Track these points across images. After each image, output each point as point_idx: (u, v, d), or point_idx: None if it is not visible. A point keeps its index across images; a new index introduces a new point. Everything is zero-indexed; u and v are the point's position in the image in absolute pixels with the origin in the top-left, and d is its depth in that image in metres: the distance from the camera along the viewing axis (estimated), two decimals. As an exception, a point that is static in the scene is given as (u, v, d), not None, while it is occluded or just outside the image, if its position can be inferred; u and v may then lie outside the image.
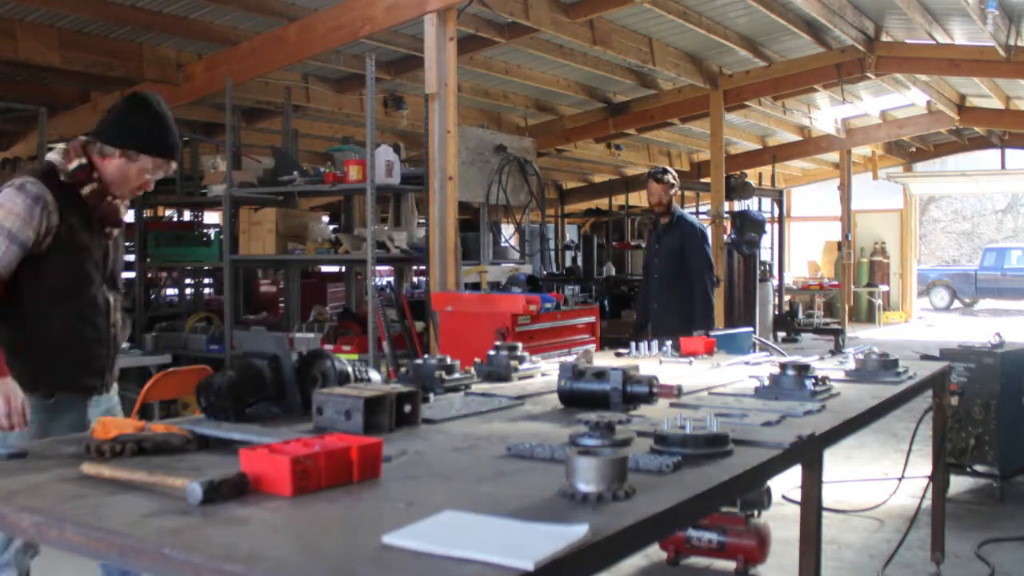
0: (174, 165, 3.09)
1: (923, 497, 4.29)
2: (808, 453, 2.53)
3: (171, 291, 11.55)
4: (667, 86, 12.45)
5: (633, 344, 4.34)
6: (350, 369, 2.79)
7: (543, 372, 3.57)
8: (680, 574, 4.34)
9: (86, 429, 2.65)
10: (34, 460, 2.19)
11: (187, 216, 11.69)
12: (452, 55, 6.48)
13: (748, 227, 12.35)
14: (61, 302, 2.89)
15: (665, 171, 6.54)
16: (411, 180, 7.16)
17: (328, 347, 6.81)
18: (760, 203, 14.66)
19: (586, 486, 1.81)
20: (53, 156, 2.94)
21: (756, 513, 4.29)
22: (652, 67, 10.58)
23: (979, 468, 5.68)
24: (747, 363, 4.02)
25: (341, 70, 10.01)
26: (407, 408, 2.56)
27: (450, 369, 3.21)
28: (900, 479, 5.02)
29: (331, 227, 9.14)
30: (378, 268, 7.06)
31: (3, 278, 2.79)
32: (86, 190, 2.89)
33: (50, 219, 2.82)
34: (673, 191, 6.46)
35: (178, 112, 9.97)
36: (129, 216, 10.46)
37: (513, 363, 3.49)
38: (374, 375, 2.88)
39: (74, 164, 2.89)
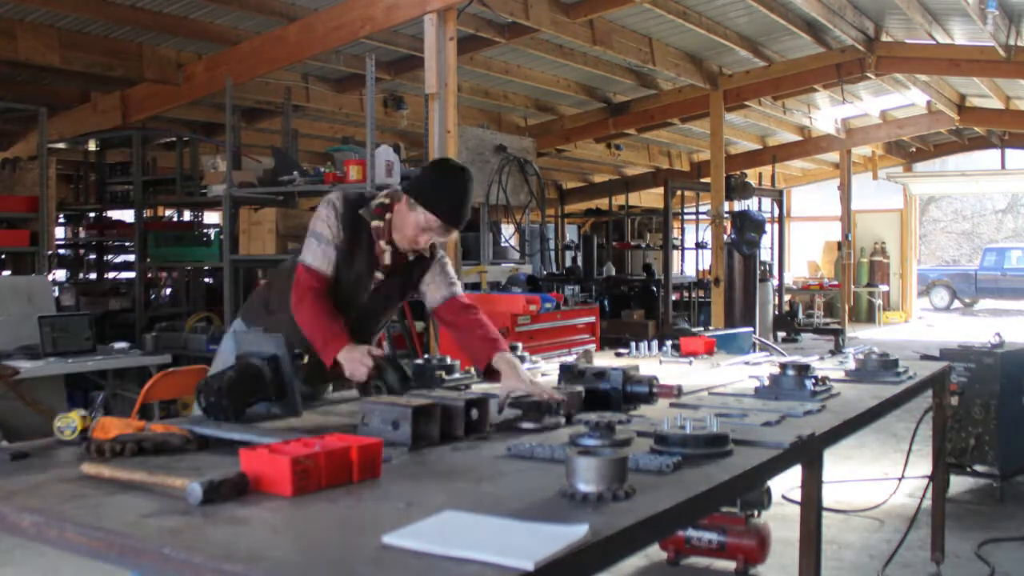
0: (454, 235, 3.18)
1: (923, 497, 4.29)
2: (808, 453, 2.53)
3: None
4: (667, 86, 12.45)
5: (633, 344, 4.34)
6: None
7: (543, 372, 3.57)
8: (680, 574, 4.34)
9: None
10: (34, 460, 2.20)
11: (187, 216, 11.69)
12: (452, 55, 6.48)
13: (748, 227, 12.35)
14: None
15: None
16: (411, 180, 7.15)
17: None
18: (760, 203, 14.66)
19: (586, 486, 1.81)
20: (376, 194, 3.13)
21: (756, 513, 4.29)
22: (652, 67, 10.57)
23: (979, 468, 5.67)
24: (747, 363, 4.02)
25: (341, 70, 10.01)
26: (474, 415, 2.46)
27: (450, 369, 3.21)
28: (900, 479, 5.02)
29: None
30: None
31: (326, 274, 3.00)
32: (375, 223, 3.03)
33: (340, 230, 3.02)
34: None
35: (178, 112, 10.01)
36: (129, 216, 10.48)
37: (513, 363, 3.49)
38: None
39: (378, 200, 3.05)
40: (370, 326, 3.27)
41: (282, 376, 2.71)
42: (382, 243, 3.04)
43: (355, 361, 2.82)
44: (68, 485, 1.96)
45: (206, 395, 2.58)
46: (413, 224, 2.96)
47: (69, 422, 2.36)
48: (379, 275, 3.10)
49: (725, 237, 12.37)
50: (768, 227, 13.66)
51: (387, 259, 3.07)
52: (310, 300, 2.95)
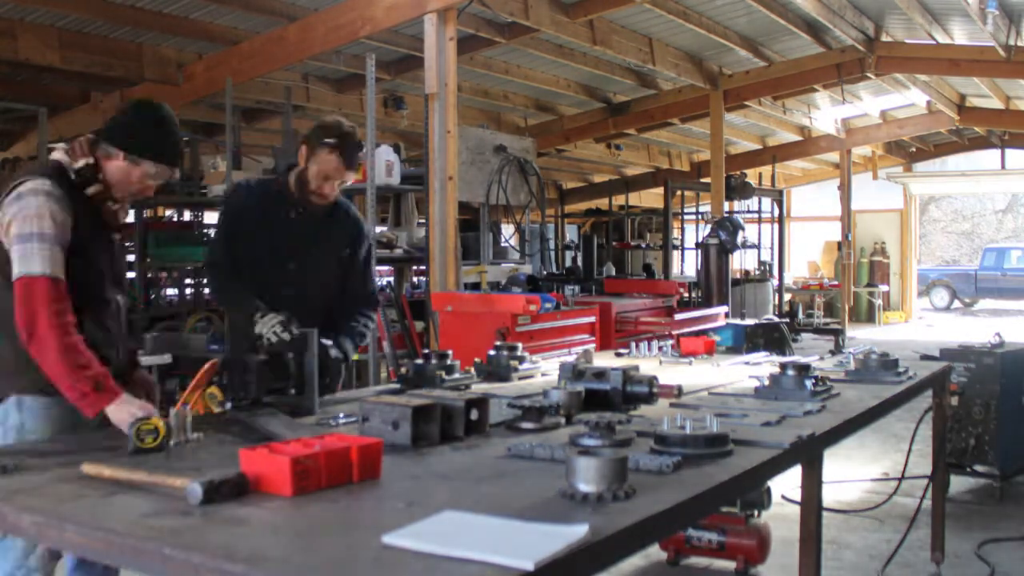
0: (176, 173, 3.07)
1: (923, 497, 4.29)
2: (808, 453, 2.53)
3: (171, 291, 11.54)
4: (667, 86, 12.45)
5: (633, 344, 4.34)
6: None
7: (543, 372, 3.57)
8: (680, 574, 4.34)
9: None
10: (34, 460, 2.19)
11: (187, 216, 11.68)
12: (452, 55, 6.48)
13: (728, 228, 12.15)
14: (75, 305, 2.70)
15: None
16: (411, 180, 7.16)
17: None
18: (760, 203, 14.66)
19: (586, 486, 1.81)
20: (59, 155, 2.84)
21: (756, 513, 4.29)
22: (652, 67, 10.57)
23: (979, 468, 5.67)
24: (747, 363, 4.02)
25: (341, 70, 10.01)
26: (474, 415, 2.45)
27: (450, 369, 3.21)
28: (900, 479, 5.02)
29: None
30: (378, 268, 7.06)
31: (62, 279, 2.65)
32: (91, 190, 2.81)
33: (68, 219, 2.73)
34: None
35: (178, 112, 10.00)
36: (129, 216, 10.48)
37: (513, 363, 3.49)
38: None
39: (80, 163, 2.81)
40: (120, 303, 3.08)
41: (304, 371, 2.71)
42: (114, 205, 2.91)
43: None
44: (68, 485, 1.95)
45: (234, 369, 2.57)
46: (139, 176, 2.89)
47: (151, 428, 2.19)
48: (110, 242, 2.97)
49: (709, 238, 12.22)
50: (766, 227, 13.61)
51: (123, 216, 3.00)
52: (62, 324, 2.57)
